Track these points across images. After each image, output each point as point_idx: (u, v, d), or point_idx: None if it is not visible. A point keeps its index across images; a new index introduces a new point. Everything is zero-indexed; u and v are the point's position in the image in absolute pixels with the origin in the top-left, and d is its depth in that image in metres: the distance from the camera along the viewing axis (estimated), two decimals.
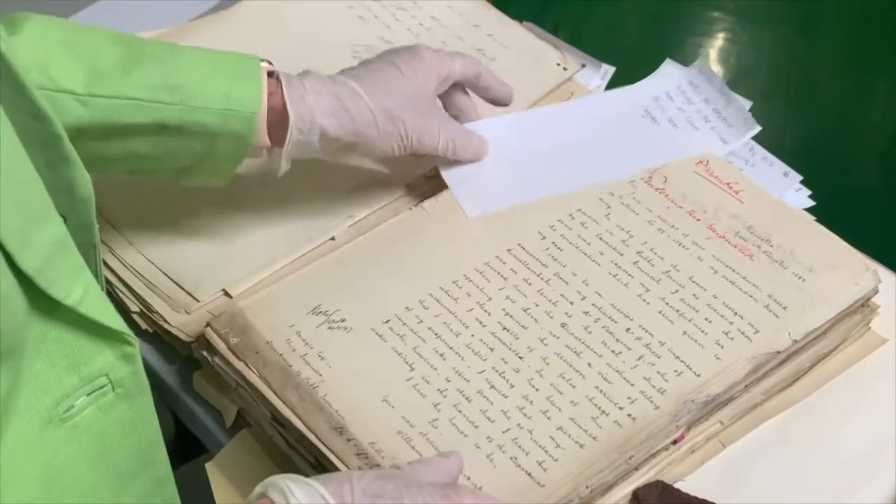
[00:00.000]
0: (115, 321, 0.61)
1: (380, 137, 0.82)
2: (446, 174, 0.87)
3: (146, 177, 0.82)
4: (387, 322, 0.78)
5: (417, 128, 0.83)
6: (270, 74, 0.81)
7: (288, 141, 0.80)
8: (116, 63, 0.76)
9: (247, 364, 0.76)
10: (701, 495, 0.73)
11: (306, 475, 0.74)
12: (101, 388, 0.61)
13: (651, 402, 0.73)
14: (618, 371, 0.75)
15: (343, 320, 0.78)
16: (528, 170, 0.88)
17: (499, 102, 0.90)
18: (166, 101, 0.76)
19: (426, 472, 0.65)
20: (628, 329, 0.77)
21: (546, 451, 0.71)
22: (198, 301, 0.82)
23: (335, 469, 0.71)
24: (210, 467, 0.77)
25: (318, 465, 0.73)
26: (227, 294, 0.83)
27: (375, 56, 0.87)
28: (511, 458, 0.71)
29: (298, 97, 0.80)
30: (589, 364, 0.75)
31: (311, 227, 0.86)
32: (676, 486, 0.74)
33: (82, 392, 0.60)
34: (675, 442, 0.74)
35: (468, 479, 0.70)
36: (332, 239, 0.86)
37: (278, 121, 0.80)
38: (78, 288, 0.59)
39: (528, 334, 0.77)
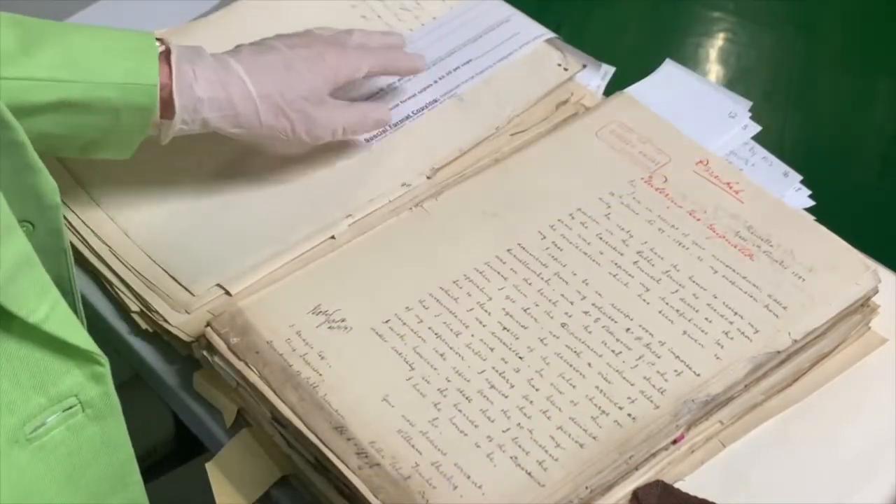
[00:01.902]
0: (84, 340, 0.60)
1: (263, 130, 0.82)
2: None
3: (51, 153, 0.80)
4: (387, 322, 0.78)
5: (304, 122, 0.83)
6: (164, 52, 0.80)
7: (171, 130, 0.80)
8: (16, 44, 0.74)
9: (247, 364, 0.76)
10: (701, 495, 0.73)
11: (306, 475, 0.74)
12: (71, 408, 0.60)
13: (651, 401, 0.73)
14: (618, 371, 0.75)
15: (343, 320, 0.78)
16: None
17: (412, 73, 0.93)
18: (68, 79, 0.75)
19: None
20: (628, 329, 0.77)
21: (546, 451, 0.71)
22: (194, 295, 0.82)
23: (335, 468, 0.71)
24: (210, 467, 0.77)
25: (318, 464, 0.73)
26: (226, 293, 0.83)
27: (276, 38, 0.87)
28: (511, 457, 0.71)
29: (187, 85, 0.79)
30: (589, 364, 0.76)
31: (311, 226, 0.86)
32: (676, 486, 0.74)
33: (50, 412, 0.59)
34: (675, 442, 0.74)
35: (468, 477, 0.70)
36: (333, 238, 0.86)
37: (168, 99, 0.79)
38: (43, 306, 0.58)
39: (529, 334, 0.77)
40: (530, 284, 0.80)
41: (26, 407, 0.58)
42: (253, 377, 0.75)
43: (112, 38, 0.78)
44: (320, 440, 0.72)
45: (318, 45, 0.86)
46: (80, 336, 0.60)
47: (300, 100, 0.83)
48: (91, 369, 0.60)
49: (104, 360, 0.61)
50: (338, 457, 0.71)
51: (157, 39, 0.80)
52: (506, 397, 0.74)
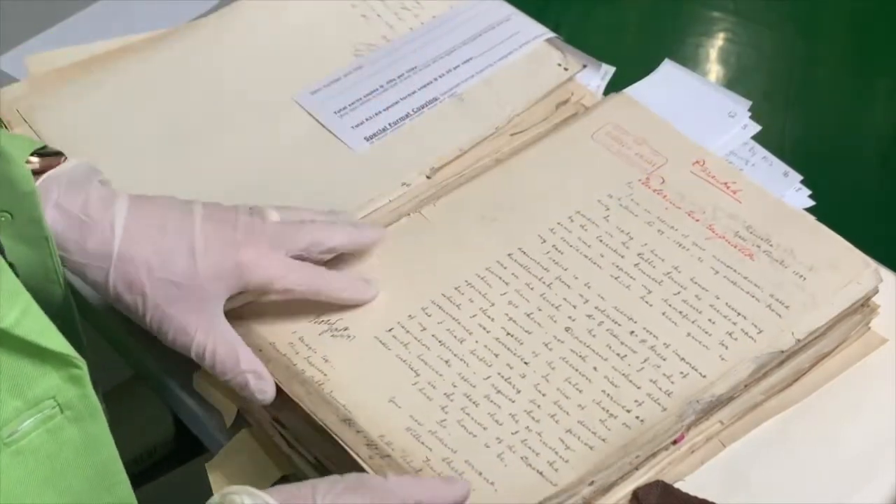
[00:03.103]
0: (58, 343, 0.59)
1: (107, 290, 0.70)
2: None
3: None
4: (390, 330, 0.78)
5: (160, 314, 0.70)
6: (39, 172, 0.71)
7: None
8: None
9: None
10: (701, 495, 0.73)
11: (306, 475, 0.74)
12: (49, 411, 0.59)
13: (658, 404, 0.73)
14: (624, 374, 0.75)
15: (346, 329, 0.78)
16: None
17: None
18: None
19: (414, 491, 0.62)
20: (632, 332, 0.77)
21: (556, 453, 0.71)
22: None
23: (340, 464, 0.71)
24: (210, 467, 0.76)
25: (318, 464, 0.73)
26: None
27: (199, 202, 0.74)
28: (522, 457, 0.71)
29: (50, 195, 0.70)
30: (595, 368, 0.75)
31: None
32: (676, 486, 0.74)
33: (28, 416, 0.58)
34: (675, 442, 0.74)
35: (480, 474, 0.70)
36: None
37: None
38: (14, 310, 0.57)
39: (533, 339, 0.77)
40: (532, 289, 0.80)
41: (2, 411, 0.57)
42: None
43: None
44: (330, 430, 0.71)
45: (242, 232, 0.73)
46: (54, 339, 0.59)
47: (169, 285, 0.70)
48: (68, 372, 0.60)
49: (81, 362, 0.60)
50: (349, 447, 0.71)
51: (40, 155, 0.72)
52: (513, 402, 0.74)
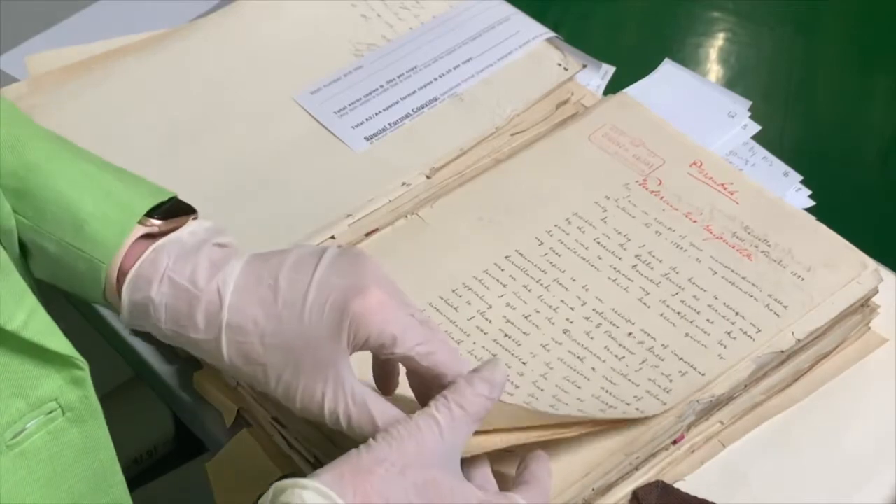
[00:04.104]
0: (62, 345, 0.59)
1: (226, 366, 0.65)
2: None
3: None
4: None
5: (285, 385, 0.64)
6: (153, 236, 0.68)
7: (122, 297, 0.66)
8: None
9: None
10: (701, 495, 0.73)
11: (306, 475, 0.74)
12: (51, 412, 0.60)
13: (657, 399, 0.73)
14: (622, 374, 0.75)
15: None
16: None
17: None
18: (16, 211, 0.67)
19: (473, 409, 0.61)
20: (630, 333, 0.77)
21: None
22: None
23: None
24: (210, 467, 0.76)
25: (318, 464, 0.73)
26: None
27: (328, 255, 0.65)
28: None
29: (145, 284, 0.66)
30: (593, 368, 0.75)
31: (311, 226, 0.86)
32: (676, 486, 0.74)
33: (30, 418, 0.59)
34: (675, 442, 0.74)
35: None
36: (332, 238, 0.86)
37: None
38: (21, 312, 0.57)
39: (531, 341, 0.77)
40: (530, 291, 0.80)
41: (6, 413, 0.58)
42: None
43: (99, 185, 0.68)
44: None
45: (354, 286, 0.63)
46: (58, 341, 0.59)
47: (287, 351, 0.63)
48: (70, 373, 0.60)
49: (83, 363, 0.60)
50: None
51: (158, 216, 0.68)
52: (511, 395, 0.74)
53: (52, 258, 0.68)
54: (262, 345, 0.63)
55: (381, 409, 0.63)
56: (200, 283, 0.65)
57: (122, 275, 0.66)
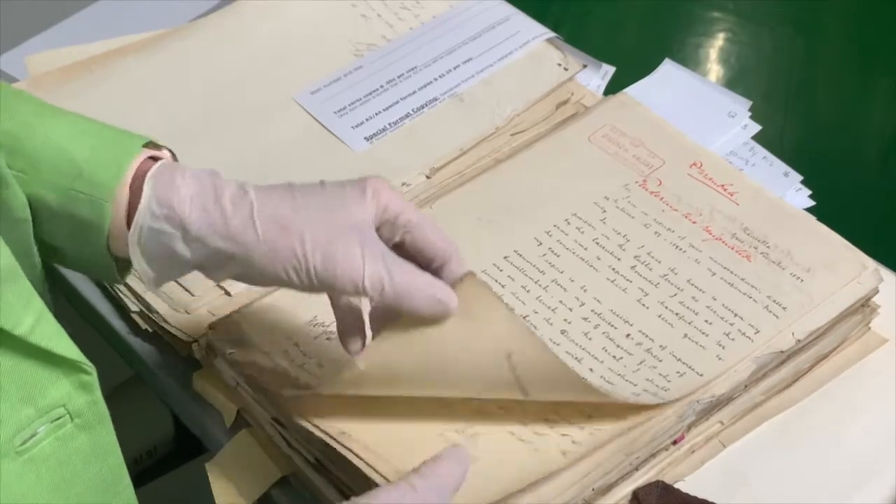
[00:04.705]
0: (70, 350, 0.59)
1: (260, 249, 0.63)
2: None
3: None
4: None
5: (324, 246, 0.62)
6: (155, 158, 0.67)
7: (136, 225, 0.64)
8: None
9: (243, 371, 0.75)
10: (701, 495, 0.73)
11: (306, 475, 0.74)
12: (59, 418, 0.59)
13: (655, 396, 0.73)
14: (620, 375, 0.75)
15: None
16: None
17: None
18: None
19: (439, 482, 0.62)
20: (628, 335, 0.77)
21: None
22: (194, 295, 0.82)
23: (340, 464, 0.71)
24: (210, 467, 0.76)
25: (318, 464, 0.73)
26: (226, 293, 0.82)
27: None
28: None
29: (167, 179, 0.65)
30: (591, 369, 0.75)
31: None
32: (676, 486, 0.74)
33: (39, 423, 0.59)
34: (675, 442, 0.74)
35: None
36: None
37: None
38: (28, 317, 0.57)
39: None
40: (528, 291, 0.80)
41: (15, 419, 0.58)
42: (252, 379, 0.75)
43: (85, 131, 0.68)
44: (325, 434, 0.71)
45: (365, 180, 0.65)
46: (66, 346, 0.59)
47: (320, 216, 0.64)
48: (78, 378, 0.60)
49: (91, 368, 0.60)
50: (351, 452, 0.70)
51: (151, 144, 0.68)
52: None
53: (54, 212, 0.66)
54: (294, 209, 0.63)
55: (426, 276, 0.64)
56: (221, 181, 0.65)
57: (131, 208, 0.65)
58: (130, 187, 0.66)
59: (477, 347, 0.66)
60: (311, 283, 0.63)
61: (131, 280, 0.83)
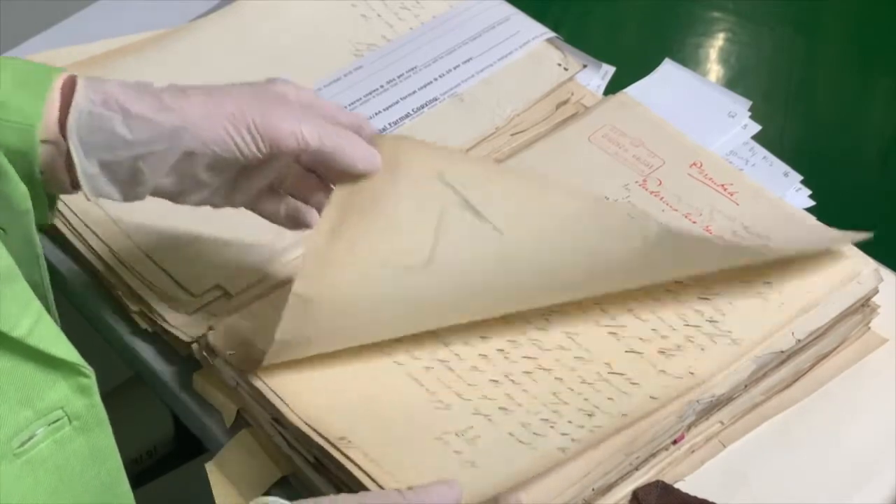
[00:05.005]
0: (68, 352, 0.59)
1: (198, 112, 0.66)
2: None
3: None
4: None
5: (261, 111, 0.67)
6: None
7: (73, 112, 0.65)
8: None
9: (244, 371, 0.75)
10: (701, 495, 0.73)
11: (306, 475, 0.74)
12: (57, 421, 0.59)
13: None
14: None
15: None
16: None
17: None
18: None
19: (427, 497, 0.63)
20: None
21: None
22: (194, 295, 0.82)
23: (340, 464, 0.71)
24: (210, 467, 0.76)
25: (318, 464, 0.73)
26: (226, 293, 0.82)
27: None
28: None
29: (97, 80, 0.66)
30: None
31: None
32: (676, 486, 0.74)
33: (37, 426, 0.59)
34: (675, 442, 0.74)
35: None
36: None
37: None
38: (26, 319, 0.57)
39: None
40: None
41: (13, 421, 0.58)
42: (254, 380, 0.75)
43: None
44: (323, 438, 0.71)
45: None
46: (64, 348, 0.59)
47: (250, 93, 0.69)
48: (76, 381, 0.60)
49: (89, 371, 0.60)
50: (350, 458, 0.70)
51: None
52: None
53: None
54: (223, 87, 0.68)
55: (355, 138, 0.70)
56: (144, 82, 0.68)
57: (63, 116, 0.65)
58: (61, 90, 0.66)
59: (411, 186, 0.71)
60: (253, 140, 0.67)
61: (131, 280, 0.84)
